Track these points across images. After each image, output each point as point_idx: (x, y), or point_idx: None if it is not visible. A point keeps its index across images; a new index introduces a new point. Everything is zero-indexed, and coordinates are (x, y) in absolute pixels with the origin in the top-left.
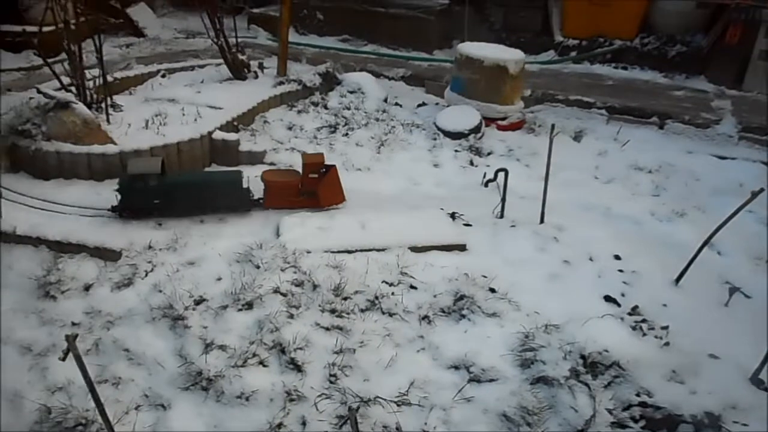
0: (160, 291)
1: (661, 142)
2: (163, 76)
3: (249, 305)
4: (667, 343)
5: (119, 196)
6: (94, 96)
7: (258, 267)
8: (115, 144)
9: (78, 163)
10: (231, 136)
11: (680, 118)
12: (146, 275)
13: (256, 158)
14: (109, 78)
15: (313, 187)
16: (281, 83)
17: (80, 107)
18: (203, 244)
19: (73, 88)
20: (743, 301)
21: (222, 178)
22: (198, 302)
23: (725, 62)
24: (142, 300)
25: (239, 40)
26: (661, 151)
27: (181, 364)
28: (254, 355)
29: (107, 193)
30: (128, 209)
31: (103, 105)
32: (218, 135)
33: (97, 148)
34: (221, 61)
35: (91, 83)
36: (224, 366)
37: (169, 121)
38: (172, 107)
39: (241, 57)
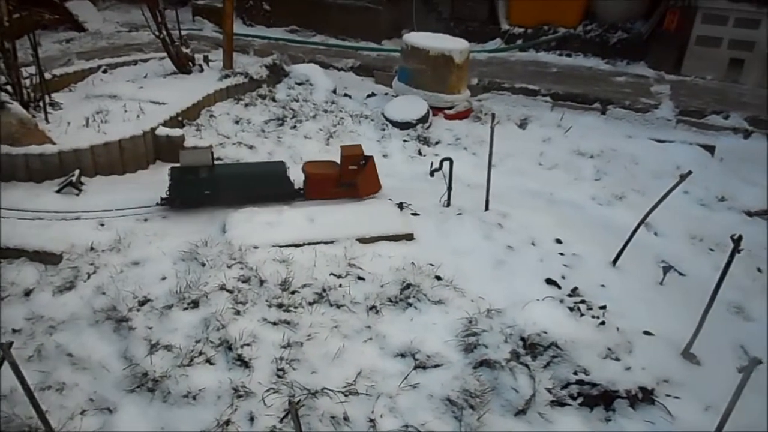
0: (104, 293)
1: (603, 127)
2: (105, 71)
3: (194, 304)
4: (603, 323)
5: (170, 188)
6: (32, 95)
7: (203, 265)
8: (53, 144)
9: (15, 165)
10: (175, 132)
11: (621, 103)
12: (89, 278)
13: None
14: (48, 75)
15: (353, 178)
16: (227, 76)
17: (16, 107)
18: (148, 243)
19: (8, 87)
20: (678, 279)
21: (267, 169)
22: (142, 303)
23: (664, 48)
24: (84, 303)
25: (184, 32)
26: (603, 136)
27: (126, 366)
28: (200, 353)
29: (46, 194)
30: (180, 201)
31: (41, 104)
32: (162, 131)
33: (34, 149)
34: (165, 54)
35: (27, 81)
36: (170, 366)
37: (110, 119)
38: (113, 104)
39: (185, 50)
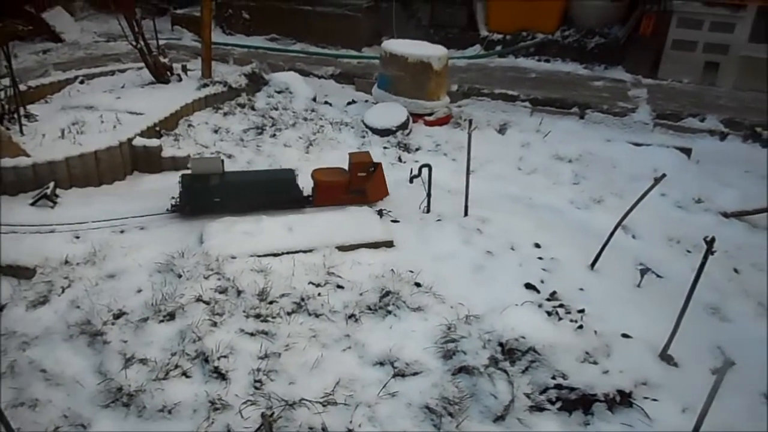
0: (78, 307)
1: (582, 131)
2: (82, 82)
3: (171, 316)
4: (581, 326)
5: (181, 195)
6: (6, 107)
7: (180, 276)
8: (28, 156)
9: None
10: (152, 142)
11: (599, 107)
12: (63, 291)
13: (180, 164)
14: (23, 87)
15: (362, 185)
16: (206, 85)
17: None
18: (124, 255)
19: None
20: (656, 281)
21: (277, 176)
22: (117, 316)
23: (641, 52)
24: (59, 318)
25: (163, 42)
26: (582, 140)
27: (101, 381)
28: (176, 366)
29: (21, 207)
30: (190, 208)
31: (15, 116)
32: (139, 141)
33: (8, 162)
34: (143, 64)
35: (2, 94)
36: (145, 380)
37: (86, 130)
38: (90, 115)
39: (163, 60)
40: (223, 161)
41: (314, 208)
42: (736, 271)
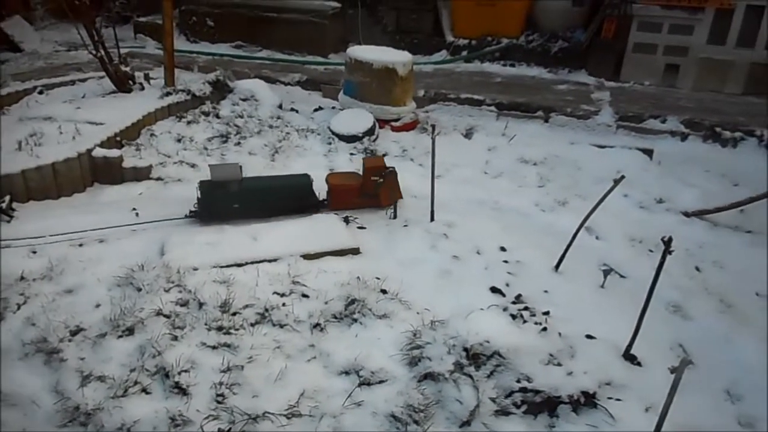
0: (34, 324)
1: (547, 134)
2: (41, 92)
3: (130, 331)
4: (545, 329)
5: (199, 202)
6: None
7: (140, 290)
8: None
9: None
10: (113, 153)
11: (563, 110)
12: (18, 309)
13: (141, 174)
14: None
15: (376, 190)
16: (168, 94)
17: None
18: (83, 269)
19: None
20: (619, 281)
21: (293, 182)
22: (74, 333)
23: (603, 56)
24: (14, 336)
25: (126, 50)
26: (547, 143)
27: (58, 400)
28: (136, 382)
29: None
30: (208, 214)
31: None
32: (99, 152)
33: None
34: (105, 73)
35: None
36: (104, 398)
37: (45, 141)
38: (48, 126)
39: (124, 68)
40: (241, 167)
41: (330, 212)
42: (697, 269)
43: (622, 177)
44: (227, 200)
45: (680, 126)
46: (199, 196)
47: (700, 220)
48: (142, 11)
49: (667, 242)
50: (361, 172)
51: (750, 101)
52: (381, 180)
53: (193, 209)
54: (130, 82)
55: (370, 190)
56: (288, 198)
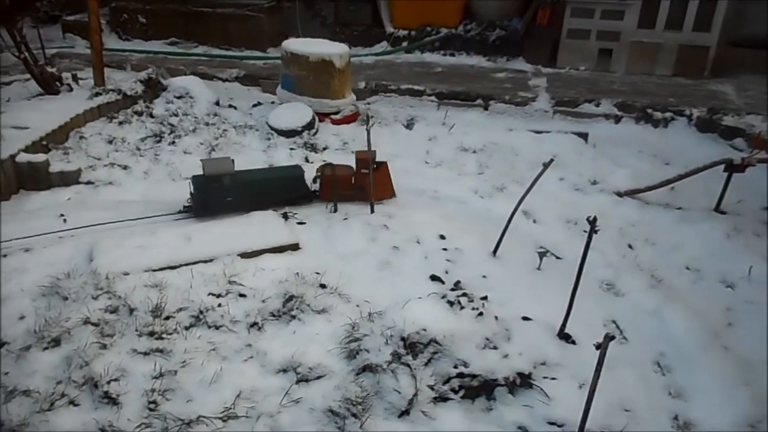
0: None
1: (486, 122)
2: None
3: (56, 342)
4: (481, 314)
5: (193, 197)
6: None
7: (66, 299)
8: None
9: None
10: (38, 158)
11: (502, 98)
12: None
13: (69, 178)
14: None
15: (365, 182)
16: (98, 94)
17: None
18: (7, 281)
19: None
20: (555, 262)
21: (286, 173)
22: None
23: (539, 43)
24: None
25: (55, 50)
26: (486, 131)
27: None
28: (63, 395)
29: None
30: (202, 209)
31: None
32: (23, 158)
33: None
34: (30, 75)
35: None
36: (29, 413)
37: None
38: None
39: (50, 69)
40: (233, 161)
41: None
42: (630, 247)
43: (551, 160)
44: (220, 194)
45: (614, 109)
46: (192, 191)
47: (633, 199)
48: (71, 10)
49: (592, 222)
50: (354, 166)
51: (679, 82)
52: (367, 171)
53: (187, 204)
54: (57, 83)
55: (361, 182)
56: (281, 190)
